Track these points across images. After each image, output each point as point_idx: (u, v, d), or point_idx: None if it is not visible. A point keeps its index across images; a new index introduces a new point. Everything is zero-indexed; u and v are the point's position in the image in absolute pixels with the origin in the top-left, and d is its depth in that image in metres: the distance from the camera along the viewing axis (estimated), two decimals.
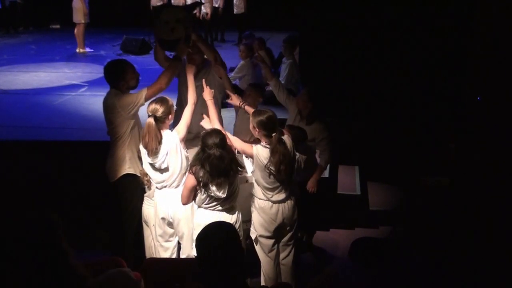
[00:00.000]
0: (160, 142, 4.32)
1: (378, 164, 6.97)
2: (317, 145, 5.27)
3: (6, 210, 5.48)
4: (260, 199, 4.43)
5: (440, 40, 7.22)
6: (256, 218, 4.48)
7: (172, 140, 4.35)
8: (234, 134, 5.49)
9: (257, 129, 4.31)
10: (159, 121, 4.33)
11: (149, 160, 4.39)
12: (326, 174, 5.98)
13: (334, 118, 6.36)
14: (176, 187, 4.44)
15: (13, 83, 9.36)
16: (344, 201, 6.43)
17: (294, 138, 4.52)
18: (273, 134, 4.26)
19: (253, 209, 4.51)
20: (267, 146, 4.28)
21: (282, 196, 4.40)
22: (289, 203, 4.46)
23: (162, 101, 4.39)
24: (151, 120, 4.29)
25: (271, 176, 4.29)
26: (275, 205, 4.40)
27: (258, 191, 4.42)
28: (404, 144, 7.05)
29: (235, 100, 5.03)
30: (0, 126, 7.04)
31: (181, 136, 4.39)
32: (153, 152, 4.31)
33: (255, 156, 4.29)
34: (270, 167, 4.25)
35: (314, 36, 7.60)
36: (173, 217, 4.44)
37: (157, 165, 4.38)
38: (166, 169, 4.39)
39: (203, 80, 4.80)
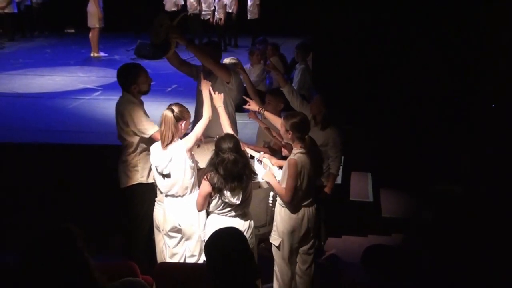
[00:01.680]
0: (174, 136, 4.31)
1: (391, 171, 6.94)
2: (329, 151, 5.25)
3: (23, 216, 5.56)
4: (288, 208, 4.38)
5: (455, 47, 7.19)
6: (282, 224, 4.41)
7: (178, 148, 4.32)
8: (257, 139, 5.51)
9: (290, 132, 4.25)
10: (176, 118, 4.30)
11: (155, 163, 4.40)
12: (338, 180, 5.96)
13: (346, 124, 6.34)
14: (181, 196, 4.41)
15: (28, 86, 9.46)
16: (357, 208, 6.40)
17: None
18: (306, 137, 4.25)
19: (277, 216, 4.46)
20: (303, 150, 4.25)
21: (308, 199, 4.39)
22: (313, 207, 4.45)
23: (182, 105, 4.40)
24: (168, 111, 4.29)
25: (307, 181, 4.27)
26: (302, 209, 4.38)
27: (287, 199, 4.35)
28: (417, 151, 7.01)
29: (253, 105, 5.02)
30: (15, 129, 7.12)
31: (188, 146, 4.34)
32: (167, 143, 4.29)
33: (299, 166, 4.21)
34: (310, 170, 4.24)
35: (328, 41, 7.60)
36: (181, 224, 4.44)
37: (159, 170, 4.37)
38: (168, 176, 4.36)
39: (210, 87, 4.82)
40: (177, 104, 4.42)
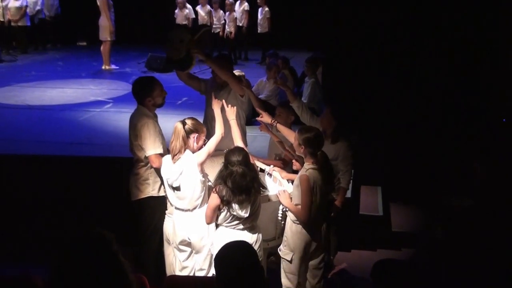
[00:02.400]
0: (183, 150, 4.33)
1: (401, 185, 6.91)
2: (339, 164, 5.24)
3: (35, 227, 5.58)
4: (298, 223, 4.37)
5: (465, 60, 7.18)
6: (293, 239, 4.40)
7: (190, 162, 4.34)
8: (268, 152, 5.52)
9: (303, 146, 4.26)
10: (187, 131, 4.34)
11: (165, 175, 4.41)
12: (348, 194, 5.94)
13: (356, 138, 6.33)
14: (190, 211, 4.42)
15: (40, 99, 9.54)
16: (366, 222, 6.38)
17: None
18: (319, 153, 4.26)
19: (288, 231, 4.44)
20: (315, 166, 4.24)
21: (321, 216, 4.39)
22: (325, 224, 4.46)
23: (196, 119, 4.46)
24: (179, 123, 4.33)
25: (321, 196, 4.28)
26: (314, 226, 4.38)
27: (301, 216, 4.34)
28: (427, 165, 6.98)
29: (266, 118, 5.03)
30: (26, 141, 7.17)
31: (200, 160, 4.35)
32: (176, 154, 4.32)
33: (312, 183, 4.20)
34: (322, 186, 4.24)
35: (337, 55, 7.62)
36: (191, 238, 4.44)
37: (169, 182, 4.40)
38: (178, 189, 4.38)
39: (223, 100, 4.84)
40: (191, 118, 4.45)
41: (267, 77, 8.10)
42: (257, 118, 5.18)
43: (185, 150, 4.34)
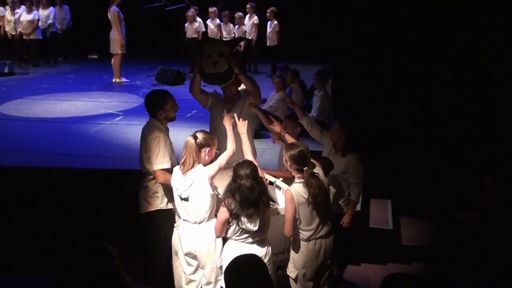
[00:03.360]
0: (195, 163, 4.34)
1: (411, 198, 6.88)
2: (349, 177, 5.24)
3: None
4: (302, 240, 4.39)
5: (477, 73, 7.15)
6: (297, 256, 4.42)
7: (201, 174, 4.35)
8: (279, 163, 5.53)
9: (289, 163, 4.34)
10: (199, 144, 4.35)
11: (175, 185, 4.43)
12: (358, 207, 5.93)
13: (366, 151, 6.32)
14: (198, 223, 4.42)
15: (51, 111, 9.61)
16: (376, 235, 6.34)
17: (322, 169, 4.54)
18: (305, 169, 4.26)
19: (292, 247, 4.47)
20: (300, 181, 4.29)
21: (324, 231, 4.39)
22: (330, 238, 4.44)
23: (207, 133, 4.48)
24: (191, 138, 4.35)
25: (312, 211, 4.28)
26: (318, 241, 4.38)
27: (298, 231, 4.37)
28: (437, 178, 6.95)
29: (276, 126, 5.07)
30: (37, 153, 7.22)
31: (211, 174, 4.37)
32: (188, 168, 4.33)
33: (295, 196, 4.26)
34: (310, 201, 4.24)
35: (347, 68, 7.63)
36: (197, 251, 4.43)
37: (178, 192, 4.41)
38: (186, 200, 4.38)
39: (235, 114, 4.87)
40: (202, 131, 4.47)
41: (276, 90, 8.12)
42: (269, 126, 5.21)
43: (198, 163, 4.35)
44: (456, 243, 6.38)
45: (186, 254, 4.48)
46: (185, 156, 4.35)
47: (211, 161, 4.47)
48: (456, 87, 7.21)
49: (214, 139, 4.52)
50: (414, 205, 6.88)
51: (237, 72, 4.99)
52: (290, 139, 4.86)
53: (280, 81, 7.99)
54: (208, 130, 4.89)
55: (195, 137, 4.36)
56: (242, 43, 13.00)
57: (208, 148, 4.40)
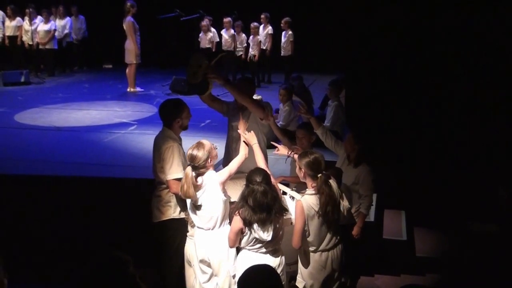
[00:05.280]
0: (198, 188, 4.34)
1: (425, 209, 6.83)
2: (359, 189, 5.21)
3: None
4: (309, 252, 4.37)
5: (493, 82, 7.10)
6: (304, 267, 4.40)
7: (212, 180, 4.36)
8: (291, 172, 5.53)
9: (303, 170, 4.31)
10: (199, 168, 4.34)
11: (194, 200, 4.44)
12: (371, 218, 5.90)
13: (380, 161, 6.29)
14: (211, 229, 4.42)
15: (66, 120, 9.70)
16: (390, 247, 6.29)
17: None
18: (319, 175, 4.25)
19: (299, 258, 4.45)
20: (313, 191, 4.27)
21: (332, 243, 4.36)
22: (338, 249, 4.41)
23: (198, 147, 4.36)
24: (189, 170, 4.32)
25: (322, 224, 4.27)
26: (325, 253, 4.35)
27: (306, 242, 4.36)
28: (452, 189, 6.90)
29: (282, 150, 5.06)
30: (52, 162, 7.28)
31: (221, 179, 4.37)
32: (194, 198, 4.35)
33: (306, 209, 4.23)
34: (320, 211, 4.23)
35: (360, 78, 7.62)
36: (210, 258, 4.43)
37: (192, 200, 4.43)
38: (199, 207, 4.40)
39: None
40: (194, 148, 4.36)
41: (281, 102, 8.08)
42: (273, 153, 5.22)
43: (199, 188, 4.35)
44: (471, 255, 6.31)
45: (201, 261, 4.48)
46: (185, 189, 4.30)
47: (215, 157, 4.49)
48: (470, 98, 7.16)
49: (206, 145, 4.41)
50: (428, 216, 6.82)
51: (222, 84, 5.02)
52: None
53: (285, 92, 7.95)
54: (220, 140, 4.89)
55: (194, 167, 4.32)
56: (256, 54, 13.07)
57: (210, 158, 4.39)
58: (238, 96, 5.11)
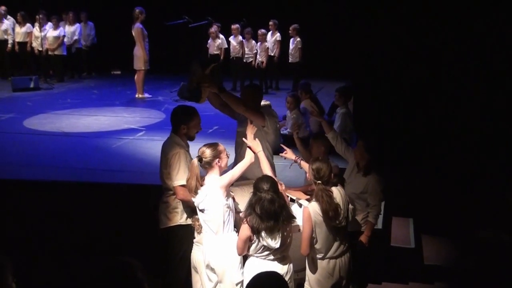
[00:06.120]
0: (201, 183, 4.37)
1: (433, 217, 6.79)
2: (368, 198, 5.18)
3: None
4: (317, 259, 4.38)
5: (502, 86, 7.08)
6: (312, 274, 4.40)
7: (214, 184, 4.37)
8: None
9: (312, 173, 4.33)
10: (205, 163, 4.38)
11: (193, 197, 4.45)
12: (379, 225, 5.87)
13: (388, 169, 6.27)
14: (216, 234, 4.41)
15: (74, 126, 9.74)
16: (398, 254, 6.27)
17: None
18: (318, 182, 4.26)
19: (307, 265, 4.45)
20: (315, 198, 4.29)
21: (339, 250, 4.36)
22: (346, 257, 4.40)
23: (211, 145, 4.45)
24: (195, 160, 4.38)
25: (329, 231, 4.27)
26: (332, 260, 4.35)
27: (313, 249, 4.36)
28: (461, 196, 6.86)
29: (290, 155, 5.09)
30: (60, 167, 7.31)
31: (222, 184, 4.37)
32: (193, 190, 4.38)
33: (313, 215, 4.25)
34: (323, 218, 4.23)
35: (369, 85, 7.61)
36: (215, 265, 4.42)
37: (196, 203, 4.44)
38: (203, 211, 4.41)
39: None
40: (208, 145, 4.45)
41: (288, 109, 8.08)
42: (280, 155, 5.22)
43: (201, 185, 4.38)
44: (479, 263, 6.27)
45: (207, 267, 4.48)
46: (189, 178, 4.37)
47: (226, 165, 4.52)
48: (481, 106, 7.14)
49: (220, 146, 4.48)
50: (436, 223, 6.79)
51: (217, 91, 5.00)
52: (305, 165, 4.86)
53: (292, 100, 7.94)
54: (228, 146, 4.88)
55: (200, 159, 4.38)
56: (264, 60, 13.09)
57: (218, 159, 4.41)
58: (233, 104, 5.08)
